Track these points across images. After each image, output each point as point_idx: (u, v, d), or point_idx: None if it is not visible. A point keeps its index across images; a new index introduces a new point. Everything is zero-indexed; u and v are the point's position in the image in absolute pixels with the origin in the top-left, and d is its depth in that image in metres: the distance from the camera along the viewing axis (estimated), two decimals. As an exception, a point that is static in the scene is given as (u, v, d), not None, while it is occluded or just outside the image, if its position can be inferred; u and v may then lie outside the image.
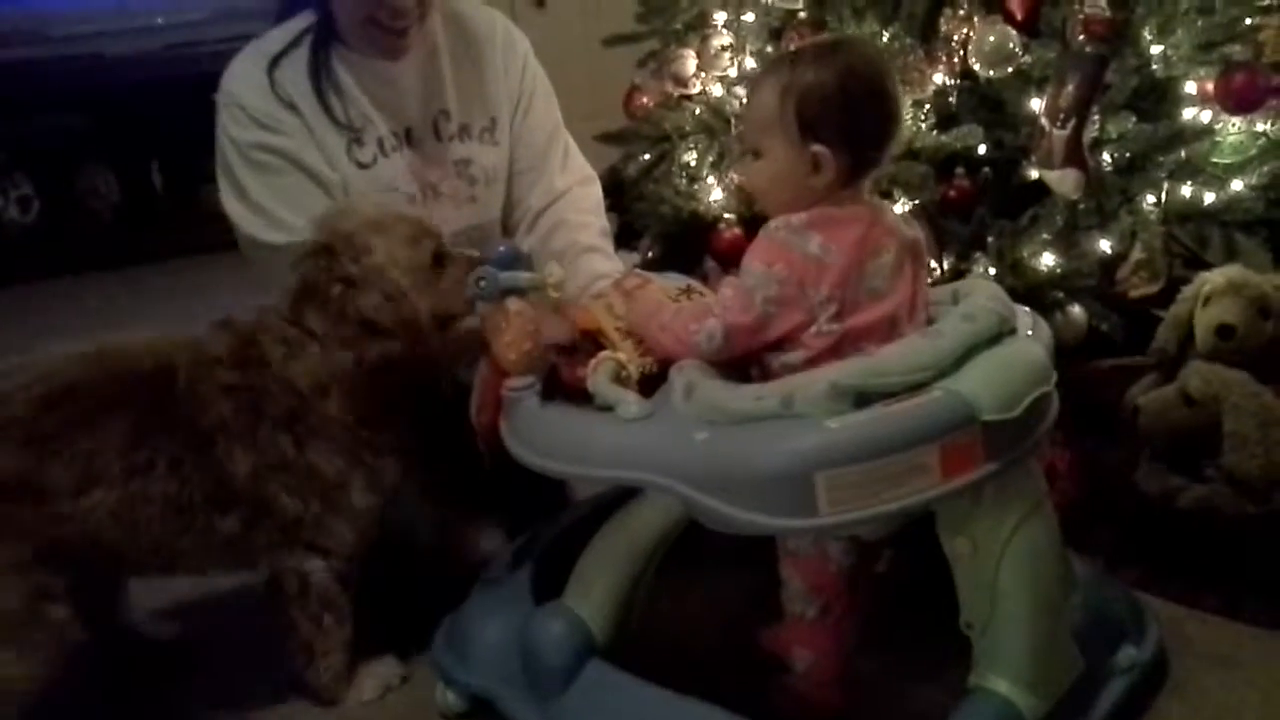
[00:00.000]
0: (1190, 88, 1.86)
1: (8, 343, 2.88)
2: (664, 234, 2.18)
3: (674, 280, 1.43)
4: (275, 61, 1.69)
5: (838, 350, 1.22)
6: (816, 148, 1.24)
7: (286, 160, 1.68)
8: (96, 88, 3.53)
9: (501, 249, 1.41)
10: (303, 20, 1.73)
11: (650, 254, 2.20)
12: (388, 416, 1.49)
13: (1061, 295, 1.77)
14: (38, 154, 3.71)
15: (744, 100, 2.04)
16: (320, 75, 1.70)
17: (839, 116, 1.24)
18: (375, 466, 1.50)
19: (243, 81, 1.69)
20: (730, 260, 2.06)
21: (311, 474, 1.46)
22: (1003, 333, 1.22)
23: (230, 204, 1.70)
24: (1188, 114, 1.86)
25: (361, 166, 1.72)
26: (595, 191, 1.92)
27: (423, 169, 1.77)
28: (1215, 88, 1.80)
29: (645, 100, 2.34)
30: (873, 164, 1.28)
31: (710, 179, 2.12)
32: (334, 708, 1.53)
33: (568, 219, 1.84)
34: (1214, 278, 1.71)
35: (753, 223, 2.05)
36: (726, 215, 2.06)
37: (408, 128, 1.76)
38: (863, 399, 1.13)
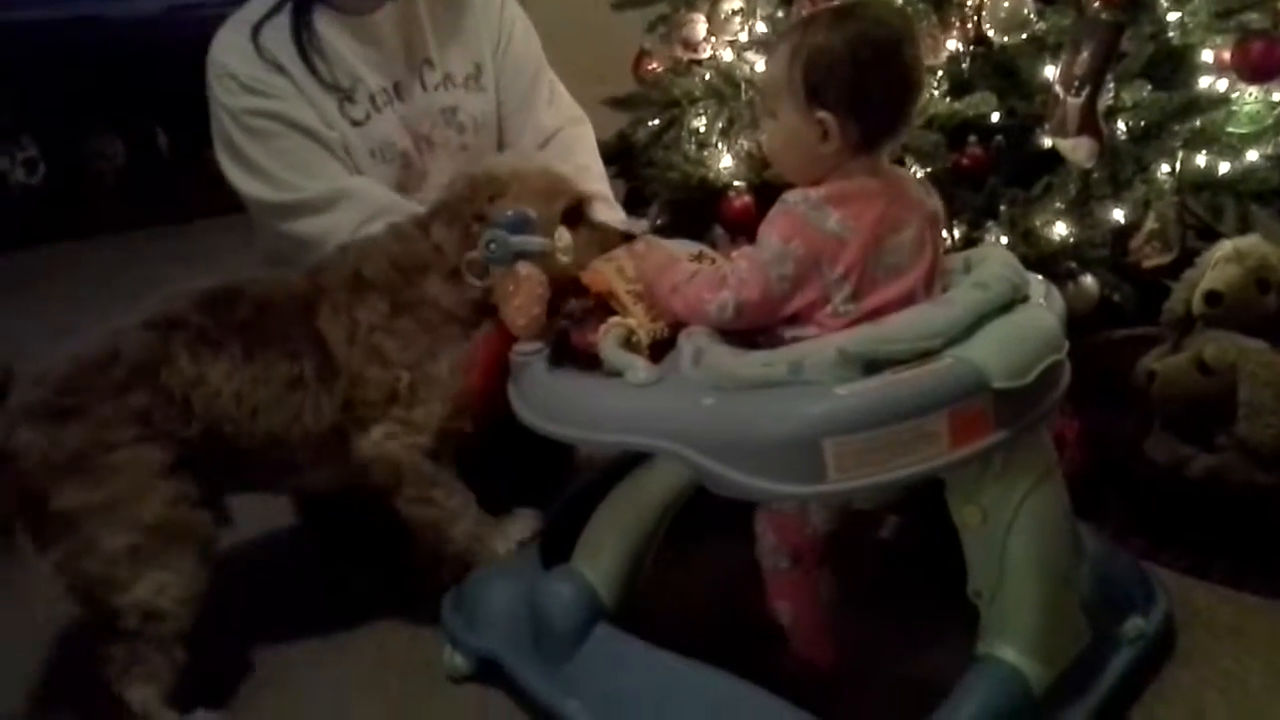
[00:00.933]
0: (1207, 56, 1.84)
1: (13, 305, 2.92)
2: (672, 201, 2.17)
3: (685, 246, 1.42)
4: (258, 28, 1.69)
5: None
6: (822, 114, 1.22)
7: (282, 123, 1.68)
8: (101, 50, 3.52)
9: (510, 213, 1.41)
10: None
11: (659, 221, 2.19)
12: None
13: (1074, 265, 1.76)
14: (44, 116, 3.71)
15: (758, 64, 2.03)
16: (302, 37, 1.70)
17: (846, 83, 1.21)
18: (462, 352, 1.51)
19: (229, 51, 1.69)
20: (739, 228, 2.05)
21: (404, 339, 1.49)
22: (1015, 301, 1.21)
23: (231, 172, 1.70)
24: (1204, 82, 1.84)
25: (355, 124, 1.73)
26: (587, 132, 1.91)
27: (414, 121, 1.77)
28: (1232, 56, 1.78)
29: (654, 65, 2.31)
30: (887, 134, 1.25)
31: (720, 145, 2.10)
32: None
33: (564, 165, 1.82)
34: (1227, 245, 1.70)
35: (763, 190, 2.05)
36: (736, 182, 2.05)
37: (396, 81, 1.76)
38: (872, 366, 1.13)
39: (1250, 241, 1.70)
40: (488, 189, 1.49)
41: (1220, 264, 1.68)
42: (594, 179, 1.84)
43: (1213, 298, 1.65)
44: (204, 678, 1.53)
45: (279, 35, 1.69)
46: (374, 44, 1.73)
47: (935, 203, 1.30)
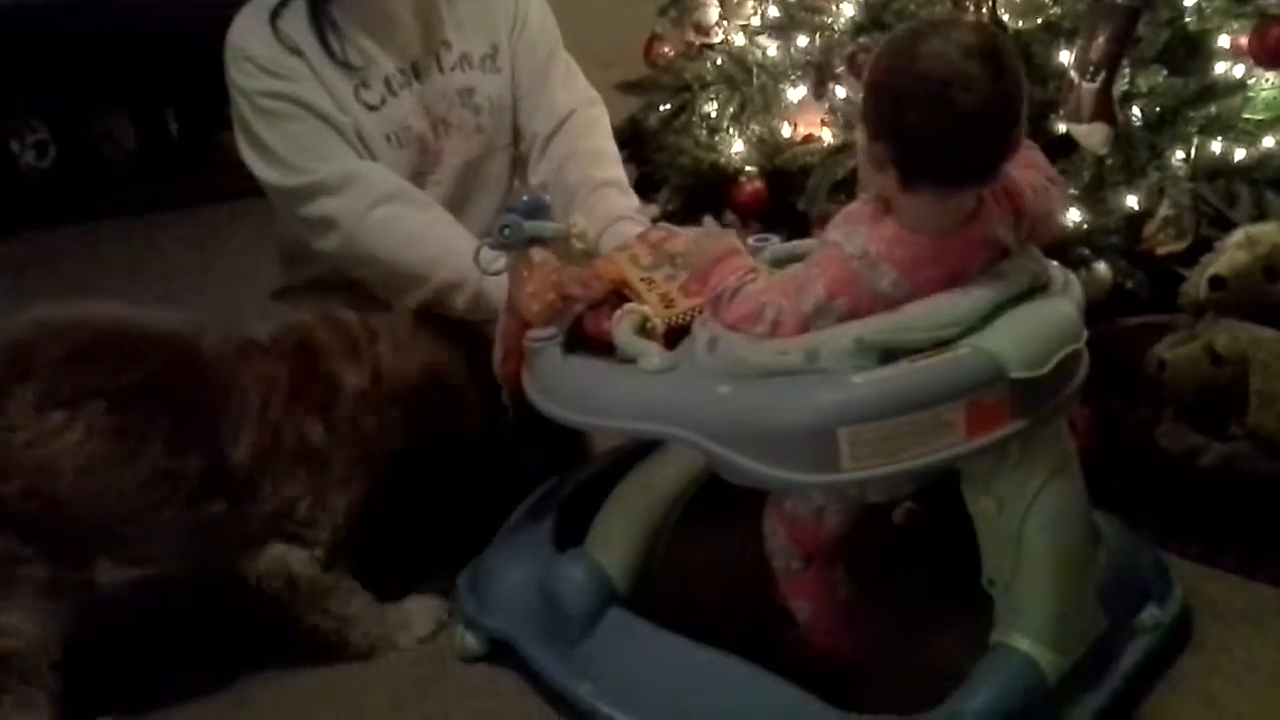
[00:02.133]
0: (1223, 41, 1.82)
1: (24, 288, 2.93)
2: (683, 186, 2.17)
3: (698, 233, 1.42)
4: (276, 13, 1.68)
5: None
6: (876, 145, 1.14)
7: (297, 105, 1.66)
8: (112, 32, 3.50)
9: (526, 198, 1.40)
10: None
11: (669, 206, 2.19)
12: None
13: (1087, 252, 1.75)
14: (54, 99, 3.70)
15: (770, 49, 2.03)
16: (321, 19, 1.69)
17: (887, 117, 1.12)
18: (375, 471, 1.49)
19: (247, 34, 1.68)
20: (750, 213, 2.05)
21: (324, 465, 1.43)
22: (1033, 289, 1.20)
23: (248, 156, 1.70)
24: (1220, 68, 1.83)
25: (370, 108, 1.72)
26: (602, 114, 1.88)
27: (431, 103, 1.77)
28: (1249, 42, 1.77)
29: (666, 49, 2.32)
30: (933, 181, 1.12)
31: (731, 131, 2.10)
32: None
33: (579, 149, 1.81)
34: (1240, 231, 1.69)
35: (774, 176, 2.04)
36: (747, 168, 2.05)
37: (413, 62, 1.75)
38: (888, 355, 1.12)
39: (1264, 229, 1.69)
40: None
41: (1231, 249, 1.67)
42: (607, 163, 1.82)
43: (1216, 282, 1.64)
44: (213, 656, 1.54)
45: (297, 20, 1.68)
46: (391, 25, 1.73)
47: (1017, 236, 1.20)
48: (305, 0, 1.69)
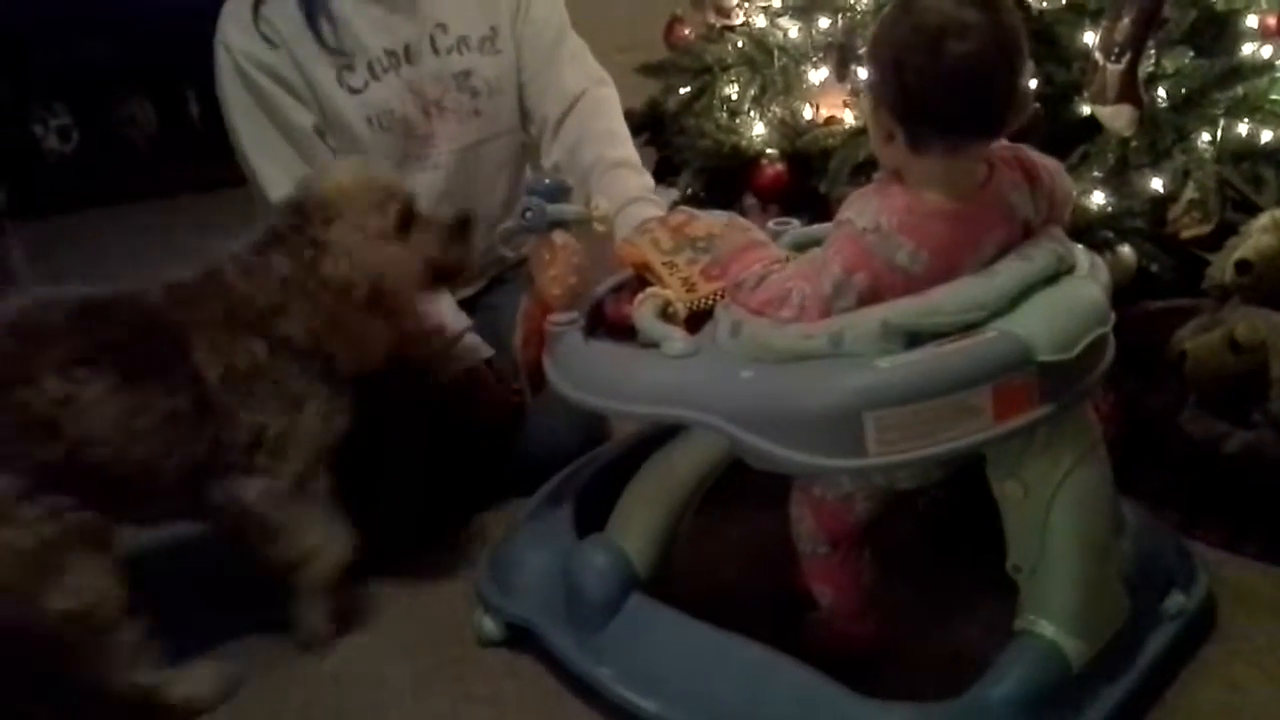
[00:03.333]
0: (1251, 22, 1.81)
1: (47, 272, 2.94)
2: (704, 169, 2.16)
3: (719, 217, 1.41)
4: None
5: None
6: (882, 113, 1.14)
7: (265, 108, 1.68)
8: (134, 15, 3.51)
9: (548, 181, 1.40)
10: None
11: (690, 189, 2.18)
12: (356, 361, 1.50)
13: (1111, 235, 1.74)
14: (76, 83, 3.71)
15: (791, 30, 2.02)
16: (312, 10, 1.68)
17: (890, 80, 1.12)
18: (334, 397, 1.49)
19: (229, 20, 1.69)
20: (772, 196, 2.04)
21: (276, 385, 1.45)
22: (1060, 272, 1.19)
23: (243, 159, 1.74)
24: (1247, 49, 1.81)
25: (354, 91, 1.72)
26: (612, 94, 1.87)
27: (424, 86, 1.76)
28: (1277, 22, 1.76)
29: (686, 31, 2.31)
30: (941, 139, 1.12)
31: (752, 113, 2.09)
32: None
33: (592, 130, 1.81)
34: (1266, 214, 1.67)
35: (795, 158, 2.03)
36: (768, 151, 2.04)
37: (405, 44, 1.74)
38: (914, 338, 1.11)
39: (1287, 210, 1.67)
40: (319, 213, 1.45)
41: (1257, 233, 1.66)
42: (620, 143, 1.81)
43: (1242, 266, 1.63)
44: (236, 642, 1.55)
45: (282, 5, 1.68)
46: (385, 5, 1.72)
47: (1037, 203, 1.21)
48: None
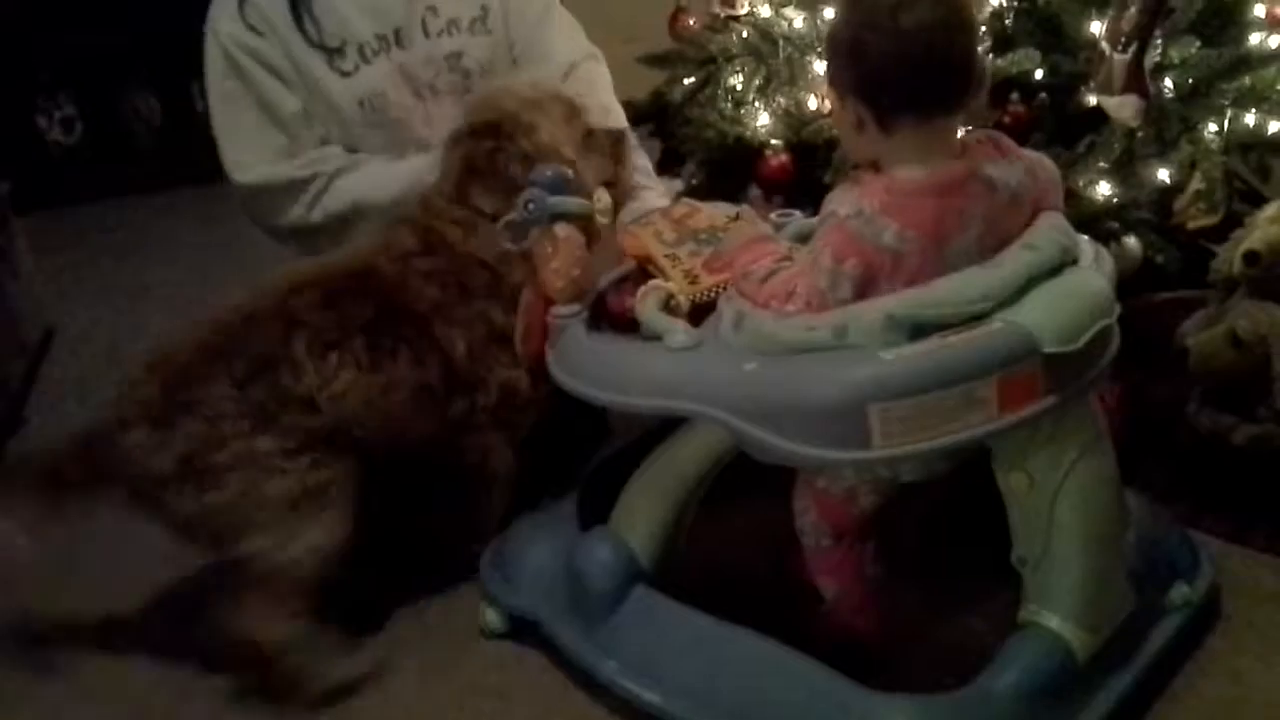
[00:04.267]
0: (1258, 11, 1.81)
1: (53, 264, 2.94)
2: (708, 160, 2.15)
3: (722, 209, 1.41)
4: None
5: None
6: (848, 101, 1.16)
7: (249, 93, 1.70)
8: (138, 7, 3.51)
9: (549, 173, 1.39)
10: None
11: (694, 180, 2.17)
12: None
13: (1117, 225, 1.73)
14: (82, 76, 3.72)
15: (796, 20, 2.00)
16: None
17: (848, 64, 1.15)
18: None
19: (218, 7, 1.70)
20: (776, 187, 2.03)
21: (510, 338, 1.49)
22: (1065, 263, 1.19)
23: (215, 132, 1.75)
24: (1254, 39, 1.80)
25: (344, 75, 1.72)
26: (603, 69, 1.88)
27: (415, 69, 1.76)
28: (1284, 11, 1.75)
29: (691, 21, 2.29)
30: (909, 114, 1.14)
31: (757, 103, 2.07)
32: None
33: (585, 105, 1.78)
34: (1273, 205, 1.67)
35: (800, 149, 2.02)
36: (773, 141, 2.03)
37: (396, 28, 1.74)
38: (919, 330, 1.11)
39: (1297, 202, 1.67)
40: (519, 128, 1.49)
41: (1264, 224, 1.65)
42: (615, 119, 1.81)
43: (1251, 257, 1.62)
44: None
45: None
46: None
47: (1020, 176, 1.21)
48: None
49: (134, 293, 2.89)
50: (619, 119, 1.82)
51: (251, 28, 1.68)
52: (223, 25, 1.69)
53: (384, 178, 1.72)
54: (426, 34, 1.77)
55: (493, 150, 1.49)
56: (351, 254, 1.54)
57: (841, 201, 1.17)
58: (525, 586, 1.46)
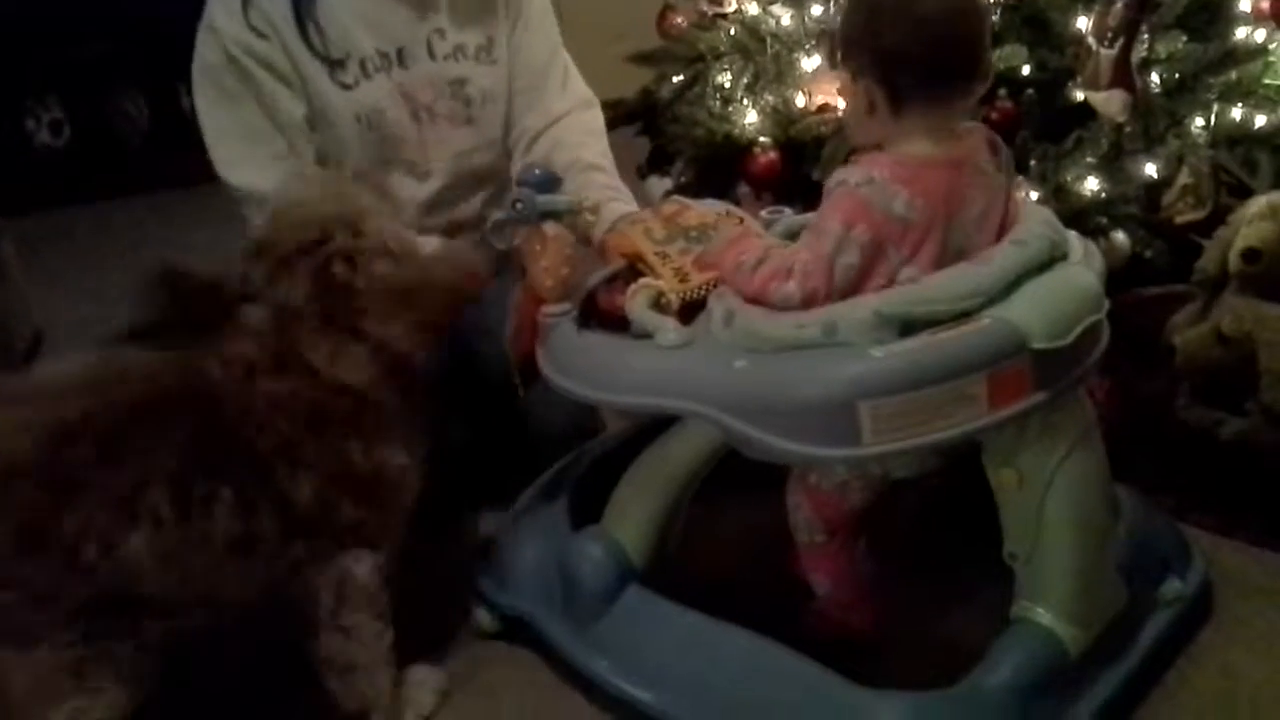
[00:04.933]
0: (1244, 5, 1.82)
1: (41, 267, 2.93)
2: (697, 157, 2.15)
3: (712, 206, 1.41)
4: None
5: None
6: (862, 83, 1.17)
7: (249, 93, 1.66)
8: (125, 10, 3.50)
9: (538, 171, 1.39)
10: None
11: (683, 178, 2.17)
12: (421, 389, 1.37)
13: (1105, 220, 1.74)
14: (69, 78, 3.71)
15: (784, 18, 2.01)
16: (300, 5, 1.66)
17: (866, 44, 1.16)
18: (419, 448, 1.36)
19: (219, 6, 1.66)
20: (764, 185, 2.03)
21: (378, 476, 1.30)
22: (1054, 259, 1.19)
23: (201, 120, 1.70)
24: (1240, 33, 1.82)
25: (345, 88, 1.69)
26: (596, 116, 1.86)
27: (414, 90, 1.73)
28: (1270, 5, 1.77)
29: (679, 19, 2.28)
30: (922, 97, 1.15)
31: (745, 101, 2.08)
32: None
33: (565, 139, 1.79)
34: (1261, 200, 1.67)
35: (788, 146, 2.03)
36: (761, 139, 2.03)
37: (399, 47, 1.72)
38: (908, 327, 1.11)
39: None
40: (346, 231, 1.28)
41: (1255, 220, 1.65)
42: (595, 153, 1.79)
43: (1251, 255, 1.63)
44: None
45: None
46: (380, 8, 1.70)
47: (1004, 163, 1.23)
48: None
49: (122, 296, 2.87)
50: (600, 153, 1.80)
51: (254, 29, 1.64)
52: (223, 24, 1.64)
53: None
54: (432, 56, 1.74)
55: (334, 266, 1.27)
56: (170, 358, 1.28)
57: (850, 172, 1.18)
58: (517, 586, 1.46)
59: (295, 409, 1.25)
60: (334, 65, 1.68)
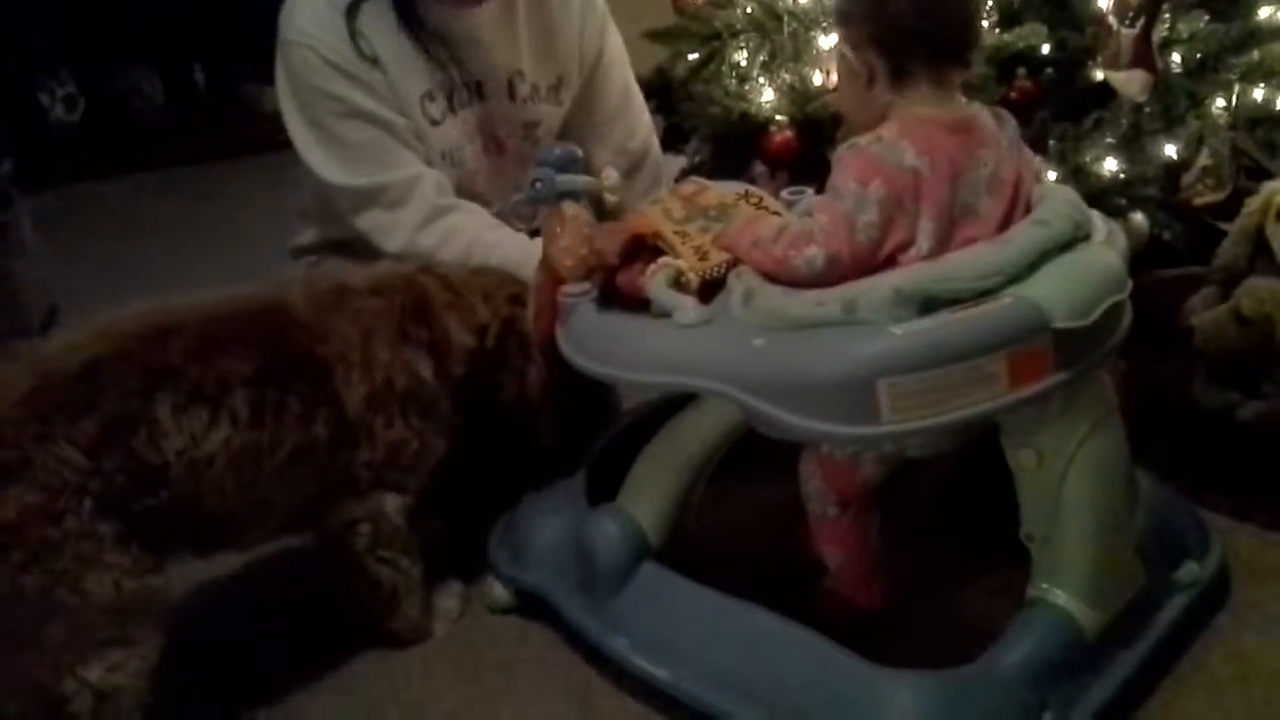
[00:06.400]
0: (1268, -16, 1.80)
1: (55, 242, 2.94)
2: (712, 135, 2.14)
3: (731, 187, 1.40)
4: (353, 9, 1.64)
5: None
6: (863, 55, 1.19)
7: (364, 116, 1.65)
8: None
9: (557, 151, 1.38)
10: None
11: (698, 157, 2.17)
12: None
13: (1124, 201, 1.73)
14: (83, 53, 3.71)
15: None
16: (413, 26, 1.66)
17: (868, 14, 1.19)
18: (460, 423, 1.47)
19: (317, 23, 1.64)
20: (780, 163, 2.03)
21: (431, 406, 1.42)
22: (1077, 239, 1.18)
23: (305, 147, 1.68)
24: (1264, 13, 1.80)
25: (433, 123, 1.71)
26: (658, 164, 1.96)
27: (494, 126, 1.76)
28: (1294, -14, 1.74)
29: (695, -3, 2.28)
30: (923, 66, 1.18)
31: (761, 79, 2.07)
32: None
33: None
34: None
35: (804, 125, 2.02)
36: (778, 117, 2.02)
37: (479, 82, 1.74)
38: (929, 305, 1.10)
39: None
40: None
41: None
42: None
43: None
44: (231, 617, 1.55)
45: (379, 20, 1.65)
46: (470, 42, 1.71)
47: (1011, 135, 1.24)
48: (392, 9, 1.66)
49: (136, 271, 2.89)
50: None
51: (366, 58, 1.64)
52: (329, 44, 1.63)
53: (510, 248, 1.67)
54: (513, 97, 1.77)
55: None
56: (257, 291, 1.42)
57: (858, 138, 1.19)
58: (533, 562, 1.47)
59: (371, 321, 1.38)
60: (426, 96, 1.69)
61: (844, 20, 1.23)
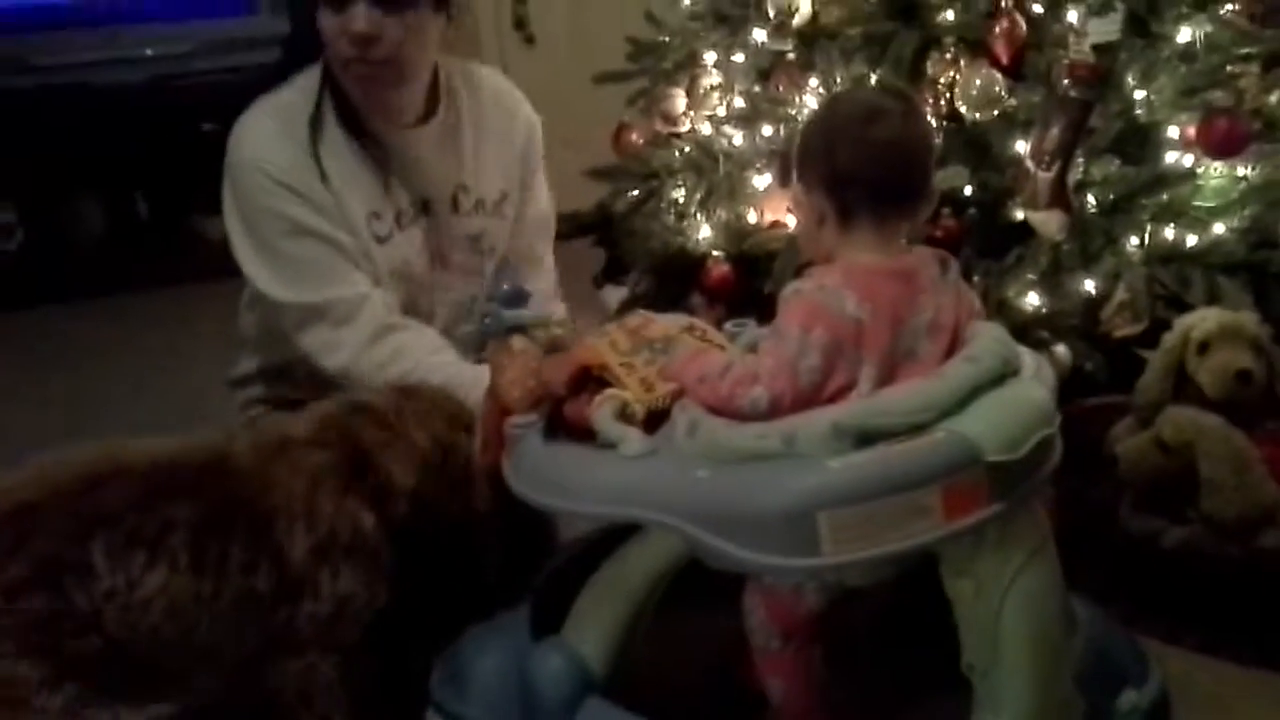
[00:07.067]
0: (1173, 132, 1.91)
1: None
2: (652, 268, 2.20)
3: (675, 319, 1.44)
4: (314, 133, 1.68)
5: None
6: (812, 197, 1.25)
7: (312, 232, 1.67)
8: (83, 118, 3.52)
9: (506, 287, 1.42)
10: (309, 78, 1.72)
11: (639, 287, 2.22)
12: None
13: (1046, 335, 1.80)
14: (22, 182, 3.70)
15: (735, 137, 2.08)
16: (363, 144, 1.71)
17: (818, 160, 1.24)
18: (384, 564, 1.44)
19: (268, 146, 1.68)
20: (719, 295, 2.09)
21: (365, 548, 1.39)
22: (1006, 374, 1.22)
23: (250, 265, 1.70)
24: (1170, 158, 1.91)
25: (379, 241, 1.73)
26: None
27: (435, 239, 1.79)
28: (1197, 133, 1.85)
29: (634, 137, 2.36)
30: (868, 213, 1.22)
31: (698, 216, 2.14)
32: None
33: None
34: (1198, 323, 1.72)
35: (740, 259, 2.08)
36: (715, 251, 2.08)
37: (425, 199, 1.77)
38: (865, 439, 1.13)
39: (1223, 315, 1.71)
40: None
41: (1222, 343, 1.67)
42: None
43: (1245, 376, 1.66)
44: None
45: (334, 141, 1.69)
46: (415, 160, 1.75)
47: (953, 278, 1.28)
48: (340, 130, 1.70)
49: (72, 400, 2.85)
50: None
51: (318, 173, 1.67)
52: (281, 164, 1.66)
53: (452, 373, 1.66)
54: (457, 210, 1.80)
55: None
56: (201, 439, 1.41)
57: (803, 282, 1.23)
58: (476, 696, 1.44)
59: (316, 474, 1.36)
60: (372, 214, 1.72)
61: (799, 161, 1.29)
